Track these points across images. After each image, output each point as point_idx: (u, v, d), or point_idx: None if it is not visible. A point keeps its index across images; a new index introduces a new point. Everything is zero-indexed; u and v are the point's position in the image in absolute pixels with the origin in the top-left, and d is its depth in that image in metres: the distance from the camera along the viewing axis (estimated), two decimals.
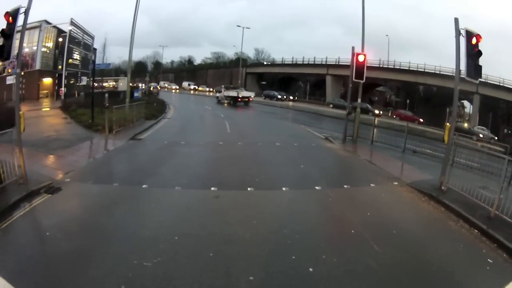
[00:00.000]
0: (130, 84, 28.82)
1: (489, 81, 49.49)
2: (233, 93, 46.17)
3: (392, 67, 62.91)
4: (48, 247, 6.63)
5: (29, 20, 9.96)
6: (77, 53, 41.31)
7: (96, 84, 30.66)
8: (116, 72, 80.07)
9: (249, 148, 17.32)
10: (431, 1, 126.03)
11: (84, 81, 43.36)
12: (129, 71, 27.57)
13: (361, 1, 20.57)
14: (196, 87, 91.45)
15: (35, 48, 40.98)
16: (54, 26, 42.91)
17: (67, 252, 6.30)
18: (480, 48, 10.92)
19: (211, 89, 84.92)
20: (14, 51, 9.78)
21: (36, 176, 10.15)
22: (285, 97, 68.45)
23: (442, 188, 11.25)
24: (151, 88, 56.71)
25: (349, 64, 22.47)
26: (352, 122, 20.99)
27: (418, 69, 59.45)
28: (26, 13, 9.63)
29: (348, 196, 10.76)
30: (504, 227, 8.28)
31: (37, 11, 36.33)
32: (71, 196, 9.52)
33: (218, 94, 52.53)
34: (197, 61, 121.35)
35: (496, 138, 40.93)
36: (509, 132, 48.56)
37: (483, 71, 11.40)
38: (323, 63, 73.28)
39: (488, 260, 7.06)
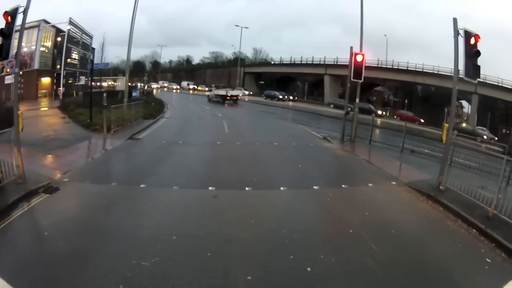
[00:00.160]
0: (129, 83, 28.77)
1: (487, 81, 49.63)
2: (222, 92, 48.98)
3: (391, 67, 62.90)
4: (46, 247, 6.62)
5: (27, 20, 9.99)
6: (75, 52, 41.33)
7: (94, 84, 30.60)
8: (115, 71, 79.90)
9: (247, 147, 17.32)
10: (429, 1, 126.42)
11: (82, 80, 43.35)
12: (127, 71, 27.53)
13: (359, 1, 20.61)
14: (196, 87, 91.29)
15: (33, 47, 40.89)
16: (53, 26, 42.83)
17: (66, 252, 6.30)
18: (478, 48, 10.95)
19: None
20: (13, 50, 9.76)
21: (34, 175, 10.14)
22: (286, 97, 68.31)
23: (440, 187, 11.27)
24: (145, 87, 57.09)
25: (347, 64, 22.49)
26: (351, 122, 21.01)
27: (417, 69, 59.44)
28: (25, 12, 9.64)
29: (346, 195, 10.77)
30: (503, 226, 8.29)
31: (36, 11, 36.35)
32: (69, 196, 9.51)
33: (208, 93, 55.46)
34: (196, 60, 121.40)
35: (496, 138, 40.89)
36: (508, 132, 48.51)
37: (482, 71, 11.44)
38: (321, 63, 73.13)
39: (487, 259, 7.07)
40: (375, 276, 6.14)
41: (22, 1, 9.64)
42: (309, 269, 6.13)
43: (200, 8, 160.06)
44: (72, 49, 40.36)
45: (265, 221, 8.28)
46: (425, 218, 9.46)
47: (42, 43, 42.26)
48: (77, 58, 41.73)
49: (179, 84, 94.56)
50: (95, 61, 34.68)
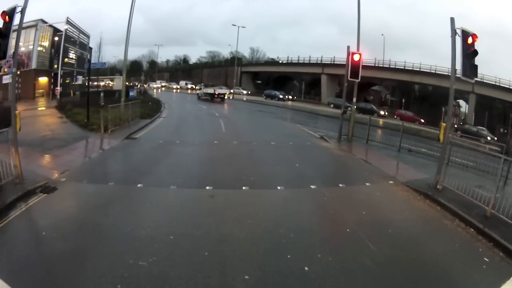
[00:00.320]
0: (126, 83, 28.73)
1: (485, 81, 49.82)
2: (210, 90, 52.08)
3: (388, 66, 62.97)
4: (44, 247, 6.61)
5: (25, 19, 9.98)
6: (73, 52, 41.19)
7: (92, 83, 30.55)
8: (112, 71, 80.00)
9: (244, 147, 17.33)
10: (426, 0, 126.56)
11: (79, 80, 43.23)
12: (124, 70, 27.43)
13: (356, 1, 20.67)
14: (194, 87, 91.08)
15: (31, 47, 40.71)
16: (50, 25, 42.64)
17: (63, 252, 6.29)
18: (476, 47, 10.98)
19: None
20: (11, 50, 9.77)
21: (32, 175, 10.13)
22: (286, 97, 68.20)
23: (438, 187, 11.30)
24: (139, 86, 57.31)
25: (344, 63, 22.47)
26: (348, 121, 21.04)
27: (414, 69, 59.53)
28: (23, 12, 9.66)
29: (344, 195, 10.78)
30: (501, 225, 8.33)
31: (33, 10, 36.22)
32: (67, 196, 9.49)
33: (198, 91, 58.43)
34: (193, 60, 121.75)
35: (496, 138, 40.91)
36: (505, 131, 48.69)
37: (479, 70, 11.49)
38: (318, 62, 73.11)
39: (485, 259, 7.11)
40: (372, 275, 6.15)
41: (19, 1, 9.64)
42: (306, 268, 6.15)
43: (196, 7, 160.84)
44: (70, 48, 40.20)
45: (262, 220, 8.29)
46: (423, 217, 9.48)
47: (40, 43, 42.07)
48: (74, 57, 41.57)
49: (177, 83, 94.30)
50: (93, 61, 34.66)
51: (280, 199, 10.07)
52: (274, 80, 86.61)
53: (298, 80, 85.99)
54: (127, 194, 9.76)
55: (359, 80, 19.84)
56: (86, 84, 29.80)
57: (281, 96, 66.23)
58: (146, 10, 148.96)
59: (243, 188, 10.55)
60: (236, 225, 7.88)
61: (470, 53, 10.97)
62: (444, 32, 12.10)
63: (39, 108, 30.89)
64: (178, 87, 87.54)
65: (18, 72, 31.60)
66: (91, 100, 22.21)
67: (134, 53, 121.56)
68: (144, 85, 67.43)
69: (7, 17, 9.24)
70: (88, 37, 44.90)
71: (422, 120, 48.78)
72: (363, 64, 20.58)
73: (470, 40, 10.92)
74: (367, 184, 11.95)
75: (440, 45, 73.04)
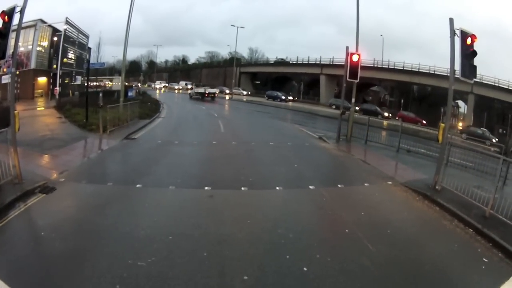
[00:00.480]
0: (125, 83, 28.70)
1: (484, 81, 49.78)
2: (201, 90, 55.87)
3: (387, 66, 62.96)
4: (43, 247, 6.60)
5: (24, 19, 9.94)
6: (71, 52, 41.08)
7: (91, 83, 30.52)
8: (111, 71, 79.96)
9: (242, 147, 17.33)
10: (425, 0, 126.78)
11: (78, 80, 43.15)
12: (123, 70, 27.48)
13: (354, 1, 20.66)
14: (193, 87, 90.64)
15: (30, 47, 40.68)
16: (49, 25, 42.61)
17: (62, 252, 6.29)
18: (475, 48, 10.99)
19: None
20: (10, 50, 9.77)
21: (31, 175, 10.11)
22: (289, 98, 67.99)
23: (437, 187, 11.31)
24: (133, 86, 57.40)
25: (343, 63, 22.51)
26: (347, 122, 21.04)
27: (413, 69, 59.49)
28: (22, 12, 9.63)
29: (342, 195, 10.78)
30: (500, 226, 8.35)
31: (32, 10, 36.17)
32: (66, 196, 9.48)
33: (190, 91, 61.57)
34: (191, 60, 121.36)
35: (497, 139, 40.87)
36: (504, 132, 48.79)
37: (478, 71, 11.50)
38: (317, 62, 73.13)
39: (484, 259, 7.12)
40: (371, 275, 6.15)
41: (19, 1, 9.63)
42: (305, 268, 6.14)
43: (194, 7, 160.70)
44: (69, 48, 40.08)
45: (261, 220, 8.28)
46: (421, 217, 9.48)
47: (39, 43, 42.03)
48: (73, 57, 41.44)
49: (177, 84, 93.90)
50: (91, 61, 34.55)
51: (279, 199, 10.06)
52: (272, 80, 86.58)
53: (297, 80, 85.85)
54: (126, 194, 9.75)
55: (358, 80, 19.83)
56: (85, 84, 29.71)
57: (283, 97, 65.99)
58: (145, 10, 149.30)
59: (242, 188, 10.54)
60: (235, 225, 7.87)
61: (469, 53, 10.98)
62: (443, 32, 12.10)
63: (38, 108, 30.87)
64: (180, 87, 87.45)
65: (17, 72, 31.60)
66: (90, 100, 22.16)
67: (133, 53, 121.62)
68: (139, 85, 67.31)
69: (6, 17, 9.23)
70: (87, 37, 44.81)
71: (424, 122, 48.65)
72: (362, 64, 20.58)
73: (469, 40, 10.93)
74: (365, 184, 11.96)
75: (438, 45, 73.19)
